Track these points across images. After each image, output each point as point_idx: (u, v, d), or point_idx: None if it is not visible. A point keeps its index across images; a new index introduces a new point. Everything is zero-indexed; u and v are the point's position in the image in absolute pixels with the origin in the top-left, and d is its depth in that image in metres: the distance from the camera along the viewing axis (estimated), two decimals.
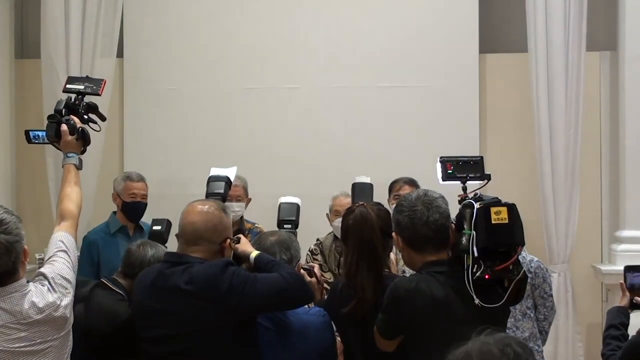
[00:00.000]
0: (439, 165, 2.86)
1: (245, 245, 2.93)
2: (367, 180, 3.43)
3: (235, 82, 5.47)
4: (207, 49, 5.49)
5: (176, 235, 2.88)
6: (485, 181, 2.84)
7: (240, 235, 3.01)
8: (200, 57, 5.49)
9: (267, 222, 4.61)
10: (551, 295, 3.68)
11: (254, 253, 2.87)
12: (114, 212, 4.57)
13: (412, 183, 4.49)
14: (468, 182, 2.80)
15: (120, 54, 5.46)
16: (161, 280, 2.71)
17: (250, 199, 4.53)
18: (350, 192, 4.45)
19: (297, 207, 3.22)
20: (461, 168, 2.83)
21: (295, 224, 3.28)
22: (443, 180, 2.85)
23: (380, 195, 4.10)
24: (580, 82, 5.12)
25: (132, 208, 4.49)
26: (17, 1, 5.55)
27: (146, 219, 4.61)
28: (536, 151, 5.17)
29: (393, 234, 2.69)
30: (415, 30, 5.41)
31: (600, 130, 5.40)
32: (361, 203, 2.91)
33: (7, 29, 5.42)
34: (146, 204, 4.56)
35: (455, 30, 5.36)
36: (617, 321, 2.93)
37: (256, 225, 4.50)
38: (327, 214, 4.58)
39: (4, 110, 5.36)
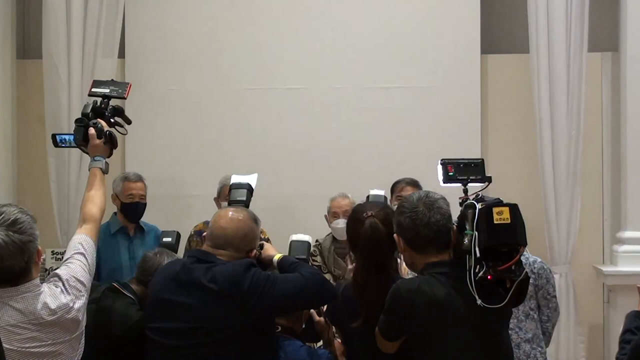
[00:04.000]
0: (439, 167, 2.86)
1: (268, 250, 2.96)
2: (381, 193, 3.43)
3: (237, 83, 5.47)
4: (209, 49, 5.49)
5: (203, 236, 2.88)
6: (486, 184, 2.84)
7: (264, 242, 3.03)
8: (201, 57, 5.48)
9: (266, 223, 4.61)
10: (554, 296, 3.68)
11: (277, 256, 2.92)
12: (115, 213, 4.57)
13: (415, 184, 4.50)
14: (469, 184, 2.79)
15: (121, 54, 5.46)
16: (184, 273, 2.73)
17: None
18: (349, 193, 4.49)
19: (308, 244, 3.21)
20: (462, 170, 2.83)
21: (306, 262, 3.24)
22: (444, 182, 2.85)
23: None
24: (581, 83, 5.11)
25: (130, 209, 4.49)
26: (18, 2, 5.54)
27: (146, 218, 4.62)
28: (538, 152, 5.16)
29: (394, 235, 2.68)
30: (417, 31, 5.41)
31: (602, 131, 5.41)
32: (370, 214, 2.80)
33: (8, 30, 5.42)
34: (145, 204, 4.55)
35: (457, 31, 5.36)
36: (632, 325, 2.90)
37: None
38: (325, 215, 4.58)
39: (6, 111, 5.36)
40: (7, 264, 2.26)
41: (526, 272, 2.52)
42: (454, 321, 2.50)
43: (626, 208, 5.18)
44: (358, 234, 2.78)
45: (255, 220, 2.87)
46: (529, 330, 3.55)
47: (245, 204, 3.14)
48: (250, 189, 3.22)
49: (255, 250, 2.86)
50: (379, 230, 2.74)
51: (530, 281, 3.08)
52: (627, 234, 5.18)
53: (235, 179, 3.29)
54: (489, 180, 2.84)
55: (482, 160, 2.91)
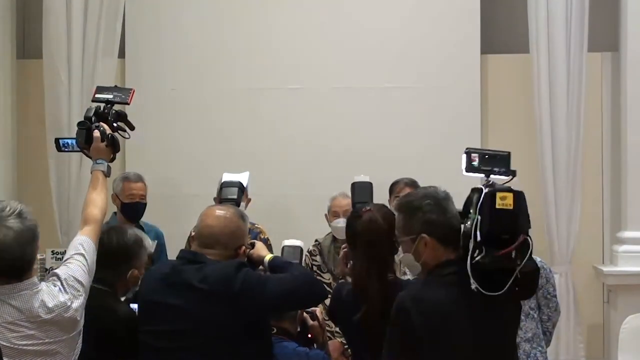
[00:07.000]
0: (464, 156, 2.69)
1: (259, 250, 2.95)
2: (366, 179, 3.41)
3: (237, 83, 5.47)
4: (209, 49, 5.49)
5: (191, 236, 2.89)
6: (510, 177, 2.65)
7: (255, 241, 3.03)
8: (201, 57, 5.49)
9: (266, 223, 4.62)
10: (555, 296, 3.68)
11: (268, 256, 2.92)
12: (115, 213, 4.58)
13: (413, 184, 4.49)
14: (493, 176, 2.63)
15: (122, 54, 5.46)
16: (174, 275, 2.72)
17: (250, 199, 4.52)
18: (349, 193, 4.47)
19: (300, 250, 3.18)
20: (486, 161, 2.71)
21: None
22: (466, 171, 2.67)
23: (381, 196, 4.10)
24: (581, 83, 5.11)
25: (130, 209, 4.49)
26: (18, 2, 5.55)
27: (146, 218, 4.62)
28: (538, 152, 5.16)
29: (423, 235, 2.53)
30: (417, 31, 5.41)
31: (602, 131, 5.41)
32: (368, 208, 2.81)
33: (8, 29, 5.42)
34: (145, 204, 4.56)
35: (457, 31, 5.36)
36: None
37: (256, 225, 4.49)
38: (325, 215, 4.58)
39: (5, 111, 5.36)
40: (18, 254, 2.32)
41: (536, 264, 2.46)
42: (460, 323, 2.45)
43: (626, 208, 5.18)
44: (356, 226, 2.78)
45: (242, 216, 2.86)
46: (529, 330, 3.55)
47: (237, 202, 3.13)
48: (241, 187, 3.22)
49: (244, 247, 2.84)
50: (378, 223, 2.74)
51: (539, 274, 3.01)
52: (627, 234, 5.17)
53: (226, 177, 3.29)
54: (513, 174, 2.65)
55: (509, 153, 2.73)
